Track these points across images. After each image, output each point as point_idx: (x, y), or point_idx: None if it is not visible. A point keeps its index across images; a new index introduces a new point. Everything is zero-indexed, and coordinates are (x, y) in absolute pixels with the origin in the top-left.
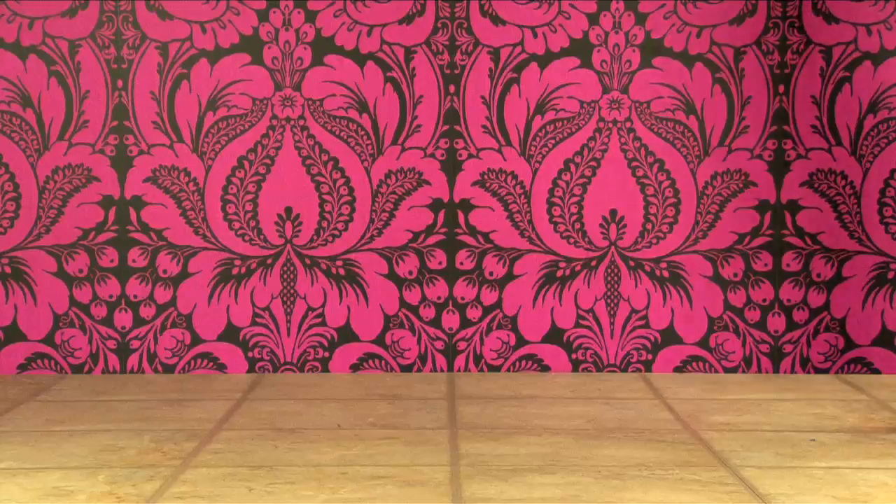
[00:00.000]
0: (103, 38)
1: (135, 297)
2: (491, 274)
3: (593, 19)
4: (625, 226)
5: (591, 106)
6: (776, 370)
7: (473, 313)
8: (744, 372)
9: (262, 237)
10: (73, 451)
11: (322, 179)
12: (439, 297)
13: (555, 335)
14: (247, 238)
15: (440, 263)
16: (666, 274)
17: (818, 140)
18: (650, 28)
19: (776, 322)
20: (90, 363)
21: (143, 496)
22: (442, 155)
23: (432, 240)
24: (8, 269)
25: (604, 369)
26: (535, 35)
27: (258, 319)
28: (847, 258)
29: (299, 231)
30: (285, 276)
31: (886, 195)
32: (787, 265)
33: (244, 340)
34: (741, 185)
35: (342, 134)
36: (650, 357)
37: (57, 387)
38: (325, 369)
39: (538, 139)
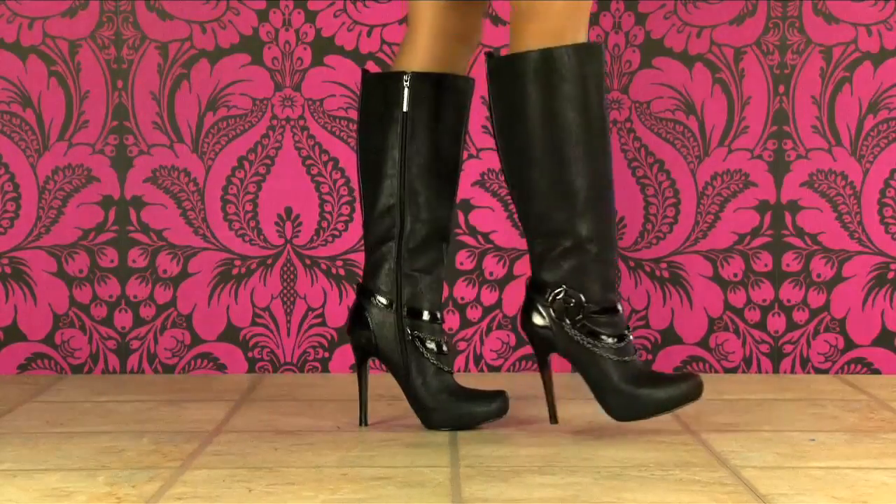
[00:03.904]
0: (103, 38)
1: (135, 297)
2: (491, 274)
3: (593, 19)
4: (625, 226)
5: None
6: (776, 370)
7: (473, 313)
8: (744, 372)
9: (262, 237)
10: (73, 453)
11: (322, 179)
12: None
13: None
14: (247, 238)
15: None
16: (666, 274)
17: (818, 140)
18: (650, 28)
19: (776, 322)
20: (90, 363)
21: (143, 497)
22: None
23: None
24: (8, 269)
25: None
26: None
27: (258, 319)
28: (847, 258)
29: (299, 231)
30: (285, 276)
31: (886, 195)
32: (787, 265)
33: (244, 340)
34: (741, 185)
35: (342, 134)
36: (650, 357)
37: (57, 387)
38: (325, 369)
39: None
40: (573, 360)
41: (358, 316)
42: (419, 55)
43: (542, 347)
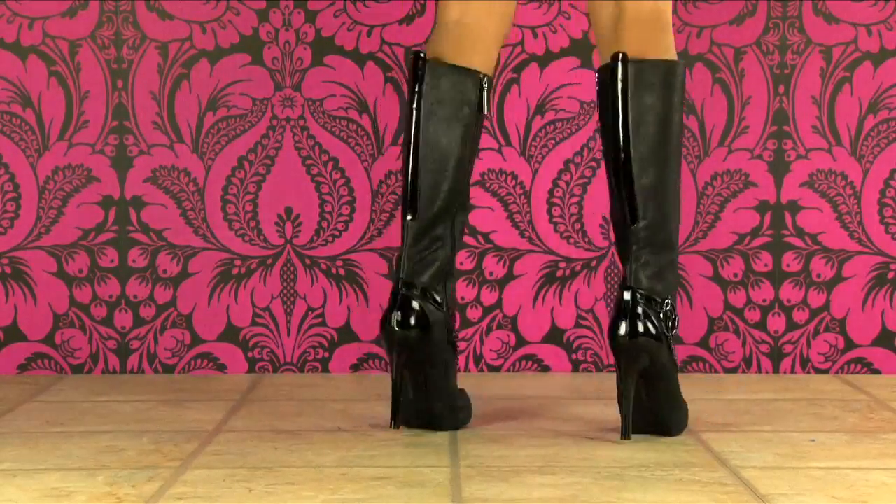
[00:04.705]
0: (103, 38)
1: (135, 297)
2: (491, 274)
3: None
4: None
5: (591, 106)
6: (776, 370)
7: (473, 313)
8: (744, 372)
9: (262, 237)
10: (73, 452)
11: (322, 179)
12: None
13: (555, 335)
14: (247, 238)
15: None
16: None
17: (818, 140)
18: None
19: (776, 322)
20: (90, 363)
21: (142, 497)
22: None
23: None
24: (8, 269)
25: (604, 369)
26: (535, 35)
27: (258, 319)
28: (847, 258)
29: (299, 231)
30: (285, 276)
31: (886, 195)
32: (787, 265)
33: (244, 340)
34: (741, 185)
35: (342, 134)
36: None
37: (57, 387)
38: (325, 369)
39: (538, 139)
40: (658, 373)
41: (410, 314)
42: (483, 58)
43: (638, 359)
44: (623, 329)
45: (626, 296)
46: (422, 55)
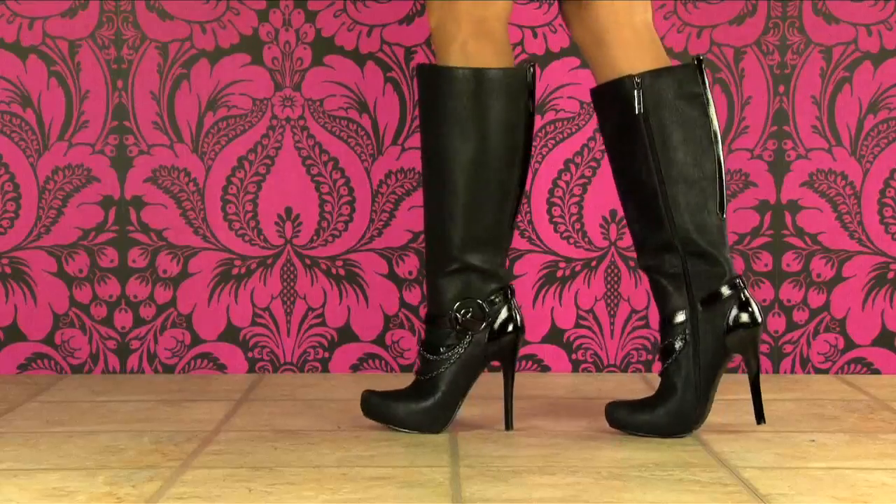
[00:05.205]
0: (103, 38)
1: (135, 297)
2: None
3: None
4: (625, 226)
5: (591, 106)
6: (776, 370)
7: None
8: (744, 372)
9: (262, 237)
10: (73, 452)
11: (322, 179)
12: None
13: (555, 335)
14: (247, 238)
15: None
16: None
17: (818, 140)
18: None
19: (776, 322)
20: (90, 363)
21: (142, 497)
22: None
23: None
24: (8, 269)
25: (604, 369)
26: (536, 35)
27: (258, 319)
28: (847, 258)
29: (299, 231)
30: (285, 276)
31: (886, 195)
32: (787, 265)
33: (244, 340)
34: (741, 185)
35: (342, 134)
36: (650, 357)
37: (57, 387)
38: (325, 369)
39: (538, 139)
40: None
41: (514, 318)
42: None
43: (756, 346)
44: (747, 317)
45: (741, 284)
46: (530, 66)
